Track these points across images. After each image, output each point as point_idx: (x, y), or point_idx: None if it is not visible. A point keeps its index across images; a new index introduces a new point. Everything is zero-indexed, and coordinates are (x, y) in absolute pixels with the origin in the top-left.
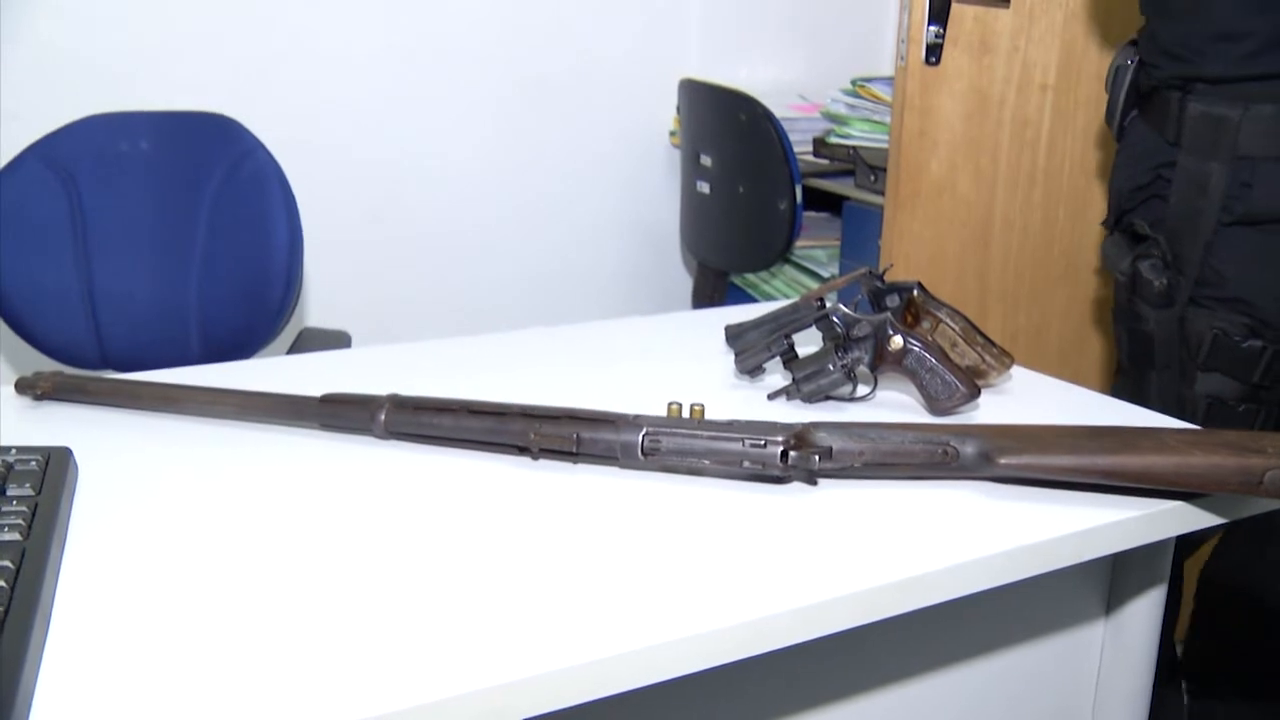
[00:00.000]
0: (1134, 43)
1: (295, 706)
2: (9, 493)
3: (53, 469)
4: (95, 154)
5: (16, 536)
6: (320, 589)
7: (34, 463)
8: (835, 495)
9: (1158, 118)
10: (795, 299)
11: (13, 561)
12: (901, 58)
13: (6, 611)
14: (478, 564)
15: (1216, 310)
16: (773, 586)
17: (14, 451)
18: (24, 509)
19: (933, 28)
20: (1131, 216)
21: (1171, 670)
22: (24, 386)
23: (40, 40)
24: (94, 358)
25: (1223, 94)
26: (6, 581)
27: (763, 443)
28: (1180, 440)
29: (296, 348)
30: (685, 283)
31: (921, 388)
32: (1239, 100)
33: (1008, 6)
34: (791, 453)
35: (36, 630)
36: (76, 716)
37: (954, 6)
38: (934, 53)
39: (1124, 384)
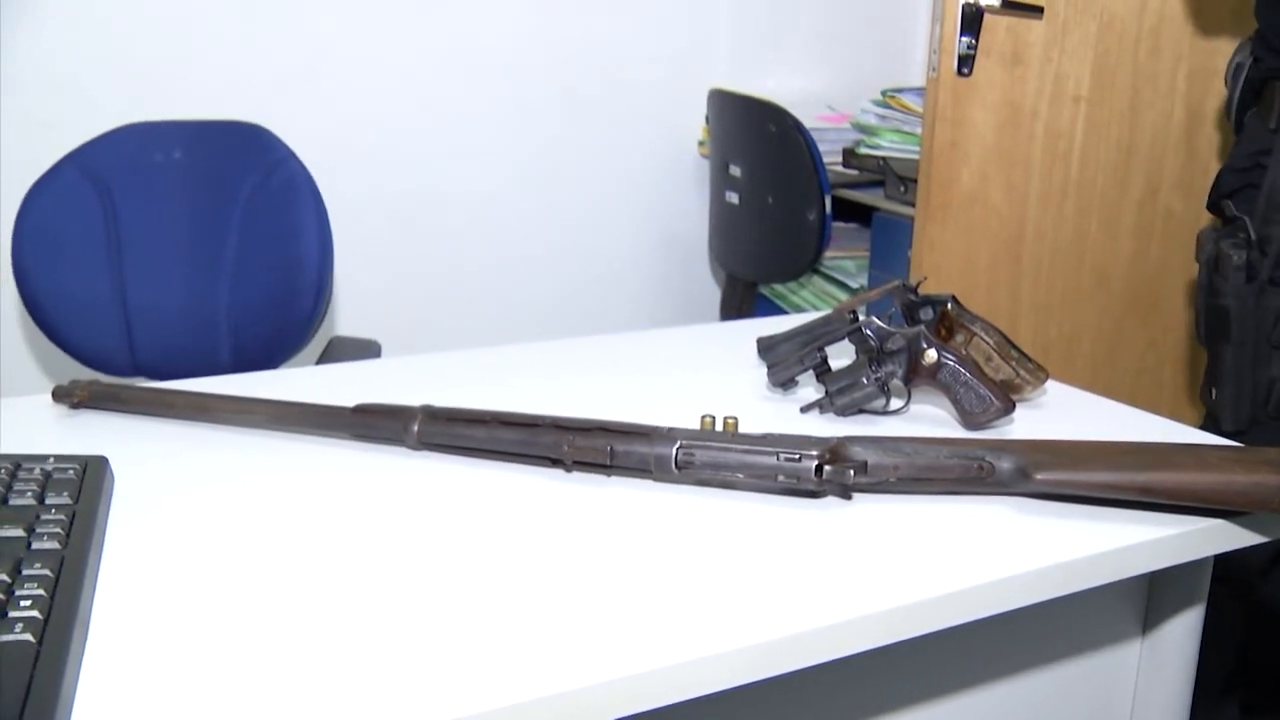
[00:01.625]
0: (1251, 39)
1: (323, 716)
2: (48, 501)
3: (90, 477)
4: (130, 163)
5: (56, 545)
6: (353, 599)
7: (72, 471)
8: (870, 510)
9: (1265, 108)
10: (827, 311)
11: (52, 570)
12: (933, 68)
13: (47, 619)
14: (511, 576)
15: None
16: (806, 602)
17: (52, 460)
18: (63, 518)
19: (964, 38)
20: (1226, 201)
21: (1227, 687)
22: (61, 395)
23: (73, 50)
24: (126, 365)
25: None
26: (47, 589)
27: (797, 457)
28: (1221, 457)
29: (326, 356)
30: (713, 293)
31: (956, 402)
32: None
33: (1041, 18)
34: (826, 467)
35: (76, 636)
36: None
37: (986, 17)
38: (966, 64)
39: (1208, 367)
